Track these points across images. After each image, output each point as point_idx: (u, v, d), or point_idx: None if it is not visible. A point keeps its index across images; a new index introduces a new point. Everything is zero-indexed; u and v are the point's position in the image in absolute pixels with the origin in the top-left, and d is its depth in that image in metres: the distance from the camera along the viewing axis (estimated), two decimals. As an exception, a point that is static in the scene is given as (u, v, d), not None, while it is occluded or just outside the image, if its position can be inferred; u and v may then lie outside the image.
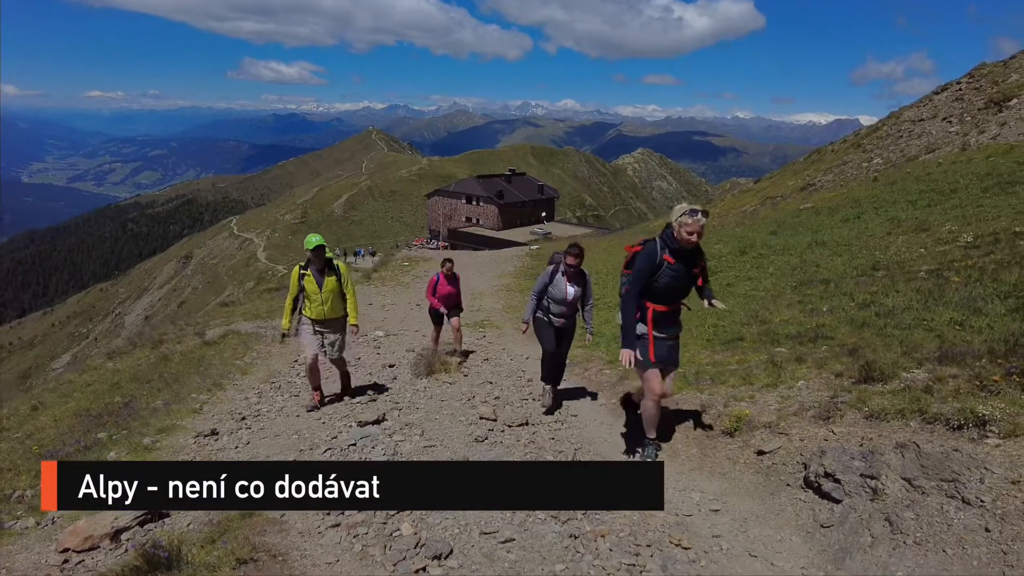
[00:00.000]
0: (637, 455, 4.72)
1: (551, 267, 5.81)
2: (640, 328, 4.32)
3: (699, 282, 4.35)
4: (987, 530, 2.68)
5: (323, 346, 6.40)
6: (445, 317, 8.56)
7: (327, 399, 6.69)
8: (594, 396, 6.43)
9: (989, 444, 3.13)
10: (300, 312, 6.36)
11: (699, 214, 3.99)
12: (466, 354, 8.77)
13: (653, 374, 4.34)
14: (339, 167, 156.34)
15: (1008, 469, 2.88)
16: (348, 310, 6.40)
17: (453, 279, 8.57)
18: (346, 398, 6.73)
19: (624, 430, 5.35)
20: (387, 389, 7.03)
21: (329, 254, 6.19)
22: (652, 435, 4.60)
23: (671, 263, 4.12)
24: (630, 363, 4.15)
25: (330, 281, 6.19)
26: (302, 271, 6.15)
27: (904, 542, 2.91)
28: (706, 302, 4.45)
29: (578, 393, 6.57)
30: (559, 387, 6.29)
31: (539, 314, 5.87)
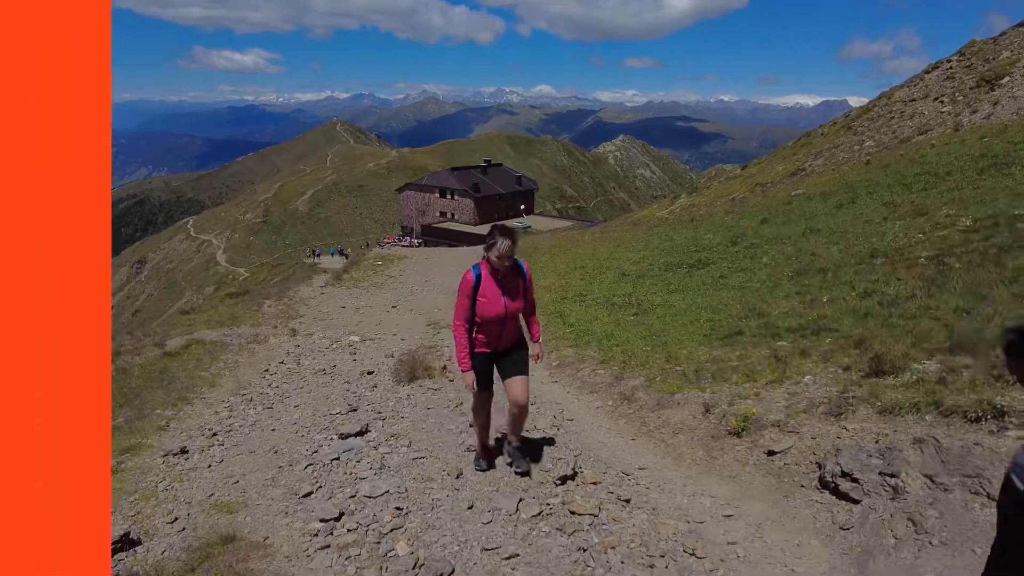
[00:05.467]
0: None
1: None
2: None
3: None
4: (1015, 527, 2.71)
5: None
6: (495, 373, 4.14)
7: None
8: (590, 399, 6.42)
9: (1010, 436, 3.17)
10: None
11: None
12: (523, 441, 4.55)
13: None
14: (302, 161, 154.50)
15: (1033, 462, 2.91)
16: None
17: (514, 277, 3.98)
18: None
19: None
20: (367, 398, 6.94)
21: None
22: None
23: None
24: None
25: None
26: None
27: (930, 542, 2.94)
28: None
29: (573, 396, 6.56)
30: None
31: None
